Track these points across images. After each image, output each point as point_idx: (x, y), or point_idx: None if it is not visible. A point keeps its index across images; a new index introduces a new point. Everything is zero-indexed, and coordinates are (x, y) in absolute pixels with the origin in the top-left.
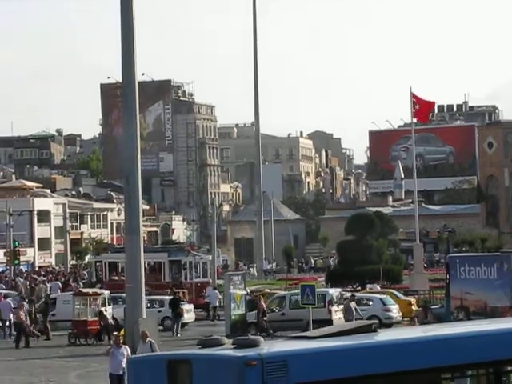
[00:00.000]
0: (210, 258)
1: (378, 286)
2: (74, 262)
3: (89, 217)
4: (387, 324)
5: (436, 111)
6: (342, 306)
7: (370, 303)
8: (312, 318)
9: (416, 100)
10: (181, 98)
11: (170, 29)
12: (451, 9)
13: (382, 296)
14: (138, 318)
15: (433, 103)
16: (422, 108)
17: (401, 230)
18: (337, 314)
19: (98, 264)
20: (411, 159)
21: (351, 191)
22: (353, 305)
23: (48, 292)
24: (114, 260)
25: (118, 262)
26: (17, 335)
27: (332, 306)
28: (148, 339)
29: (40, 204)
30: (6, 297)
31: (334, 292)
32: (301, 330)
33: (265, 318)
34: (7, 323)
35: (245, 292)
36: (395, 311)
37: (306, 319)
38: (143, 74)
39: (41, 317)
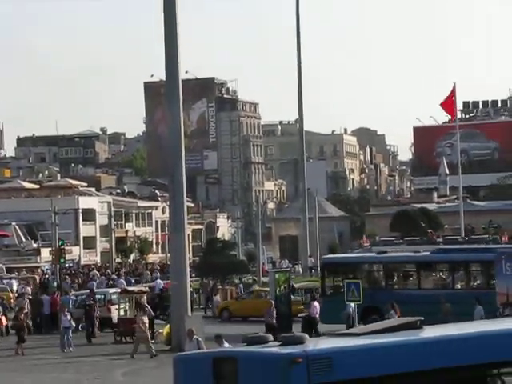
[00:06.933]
0: None
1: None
2: (119, 260)
3: (133, 215)
4: None
5: (481, 107)
6: (123, 305)
7: None
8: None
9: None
10: (224, 96)
11: (213, 27)
12: (494, 7)
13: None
14: (183, 316)
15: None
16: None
17: (446, 226)
18: (114, 312)
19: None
20: (456, 155)
21: (396, 188)
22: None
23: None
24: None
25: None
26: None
27: (112, 304)
28: (194, 337)
29: (85, 203)
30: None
31: (114, 291)
32: None
33: None
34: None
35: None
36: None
37: None
38: (187, 72)
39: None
